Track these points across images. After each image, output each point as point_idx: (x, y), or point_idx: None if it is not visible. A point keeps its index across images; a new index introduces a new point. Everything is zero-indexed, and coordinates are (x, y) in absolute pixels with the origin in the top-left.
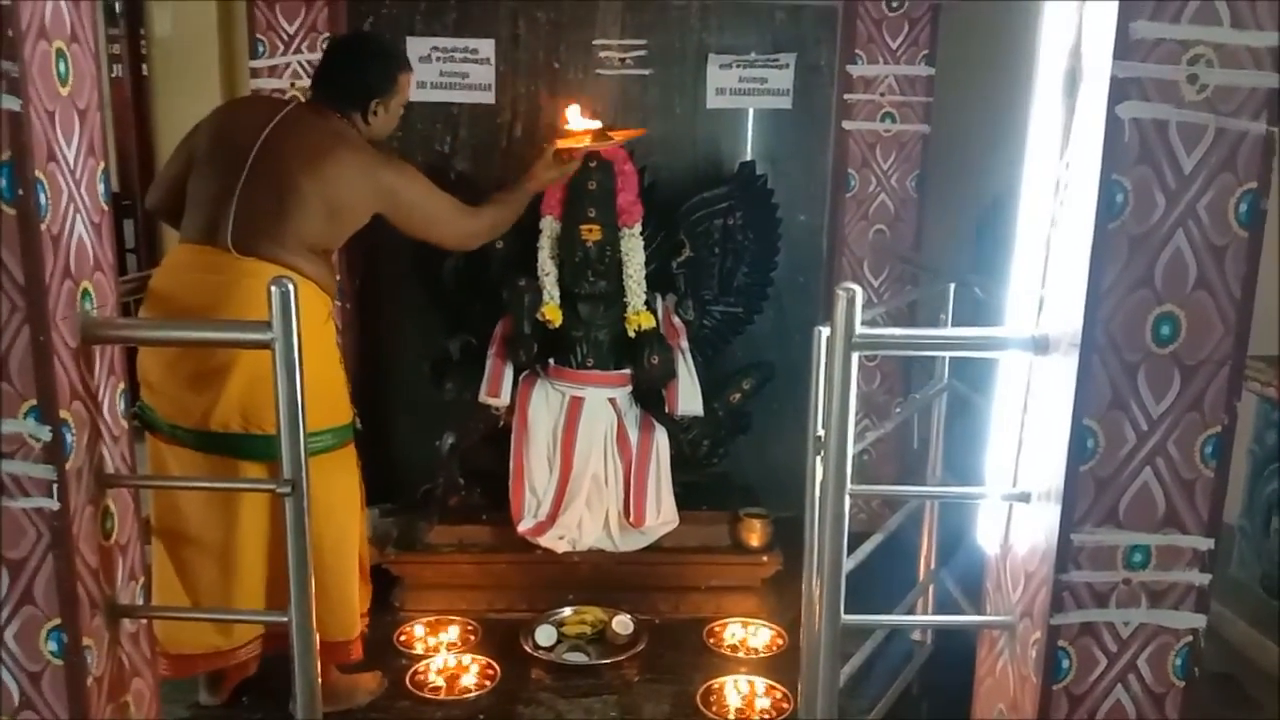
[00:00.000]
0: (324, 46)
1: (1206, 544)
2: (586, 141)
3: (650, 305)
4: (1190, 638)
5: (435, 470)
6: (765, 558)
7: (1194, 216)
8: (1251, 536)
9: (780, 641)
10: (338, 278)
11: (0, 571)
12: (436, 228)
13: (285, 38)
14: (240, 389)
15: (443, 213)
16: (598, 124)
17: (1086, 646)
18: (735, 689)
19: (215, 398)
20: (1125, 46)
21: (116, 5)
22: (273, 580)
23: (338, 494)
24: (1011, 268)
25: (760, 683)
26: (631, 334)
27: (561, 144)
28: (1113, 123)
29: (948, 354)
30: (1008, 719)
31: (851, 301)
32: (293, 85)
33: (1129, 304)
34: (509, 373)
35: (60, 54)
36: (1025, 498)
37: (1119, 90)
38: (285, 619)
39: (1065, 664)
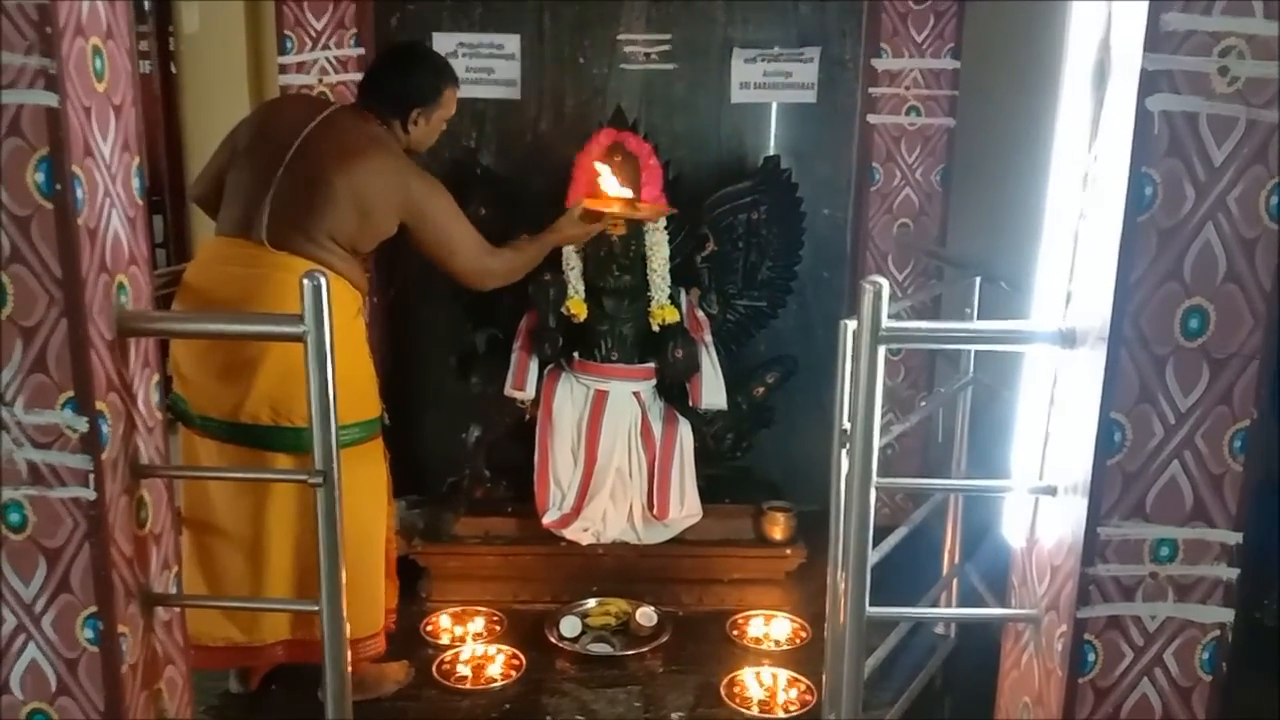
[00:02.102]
0: (351, 43)
1: (1235, 538)
2: (615, 208)
3: (674, 299)
4: (1218, 632)
5: (461, 462)
6: (789, 551)
7: (1224, 209)
8: None
9: (803, 634)
10: (369, 274)
11: (38, 560)
12: (453, 254)
13: (313, 34)
14: (270, 381)
15: (463, 241)
16: (629, 193)
17: (1113, 640)
18: (758, 681)
19: (245, 390)
20: (1155, 38)
21: (145, 2)
22: (300, 576)
23: (364, 488)
24: (1038, 261)
25: (784, 675)
26: (656, 328)
27: (590, 204)
28: (1142, 115)
29: (974, 348)
30: (1032, 712)
31: (878, 295)
32: (320, 81)
33: (1158, 297)
34: (534, 366)
35: (96, 50)
36: (1051, 491)
37: (1149, 83)
38: (316, 608)
39: (1091, 657)
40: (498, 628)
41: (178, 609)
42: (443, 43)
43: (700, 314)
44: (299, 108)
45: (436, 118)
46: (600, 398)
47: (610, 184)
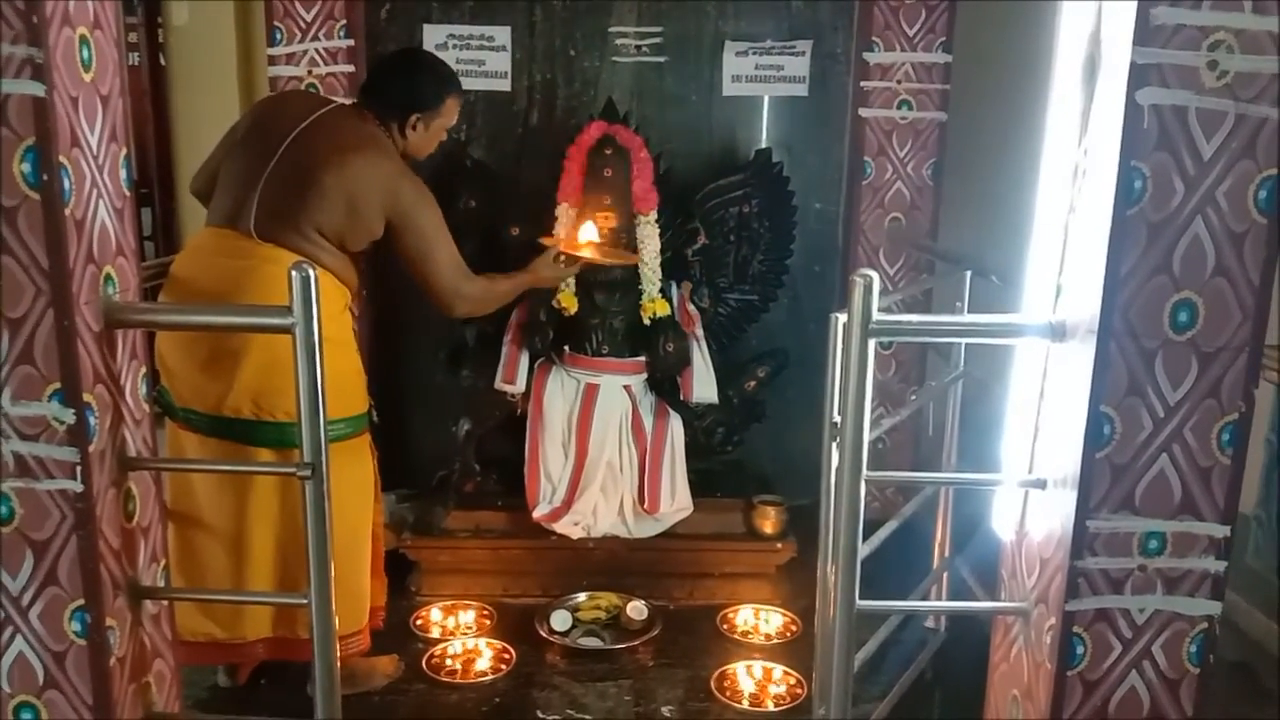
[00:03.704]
0: (341, 34)
1: (1223, 531)
2: (588, 252)
3: (665, 293)
4: (1205, 625)
5: (451, 456)
6: (779, 544)
7: (1213, 203)
8: (1268, 526)
9: (794, 628)
10: (362, 273)
11: (25, 552)
12: (431, 267)
13: (303, 25)
14: (252, 374)
15: (442, 254)
16: (596, 239)
17: (1101, 633)
18: (749, 674)
19: (229, 382)
20: (1145, 32)
21: None
22: (281, 573)
23: (348, 485)
24: (1029, 254)
25: (774, 668)
26: (647, 321)
27: (565, 247)
28: (1132, 109)
29: (964, 341)
30: (1021, 705)
31: (869, 288)
32: (310, 73)
33: (1147, 290)
34: (524, 359)
35: (84, 40)
36: (1041, 484)
37: (1138, 76)
38: (305, 601)
39: (1080, 650)
40: (488, 621)
41: (166, 602)
42: (432, 35)
43: (691, 308)
44: (298, 103)
45: (436, 125)
46: (591, 391)
47: (586, 231)
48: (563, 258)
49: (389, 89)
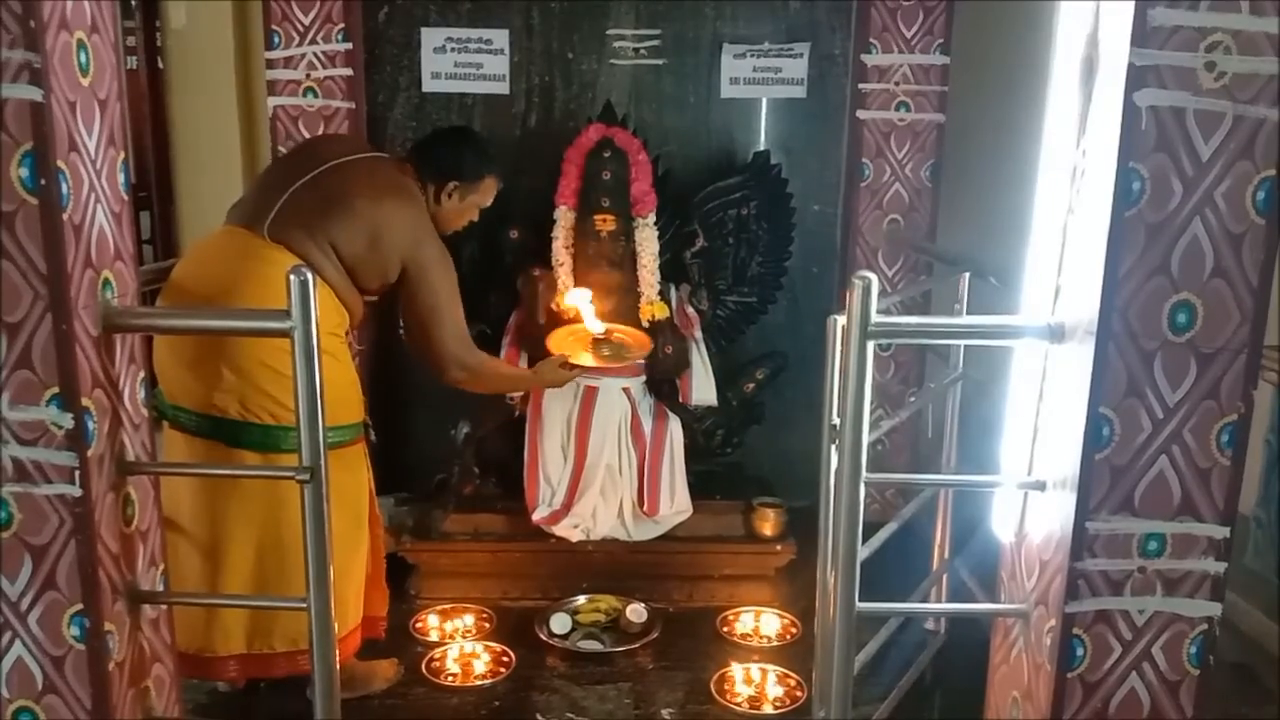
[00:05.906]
0: (339, 38)
1: (1222, 532)
2: (590, 360)
3: (664, 295)
4: (1205, 626)
5: (450, 459)
6: (779, 547)
7: (1211, 204)
8: (1267, 527)
9: (794, 630)
10: (365, 313)
11: (23, 557)
12: (436, 329)
13: (300, 29)
14: (238, 373)
15: (449, 319)
16: (602, 328)
17: (1101, 634)
18: (748, 677)
19: (214, 381)
20: (1143, 33)
21: None
22: (258, 581)
23: (335, 491)
24: (1027, 256)
25: (773, 671)
26: (645, 324)
27: (571, 359)
28: (1130, 110)
29: (963, 342)
30: (1021, 706)
31: (867, 290)
32: (308, 76)
33: (1145, 292)
34: (523, 362)
35: (81, 45)
36: (1040, 486)
37: (1136, 78)
38: (304, 605)
39: (1080, 652)
40: (487, 625)
41: (164, 606)
42: (430, 37)
43: (690, 310)
44: (347, 141)
45: (470, 200)
46: (590, 394)
47: (589, 319)
48: (568, 365)
49: (434, 154)
